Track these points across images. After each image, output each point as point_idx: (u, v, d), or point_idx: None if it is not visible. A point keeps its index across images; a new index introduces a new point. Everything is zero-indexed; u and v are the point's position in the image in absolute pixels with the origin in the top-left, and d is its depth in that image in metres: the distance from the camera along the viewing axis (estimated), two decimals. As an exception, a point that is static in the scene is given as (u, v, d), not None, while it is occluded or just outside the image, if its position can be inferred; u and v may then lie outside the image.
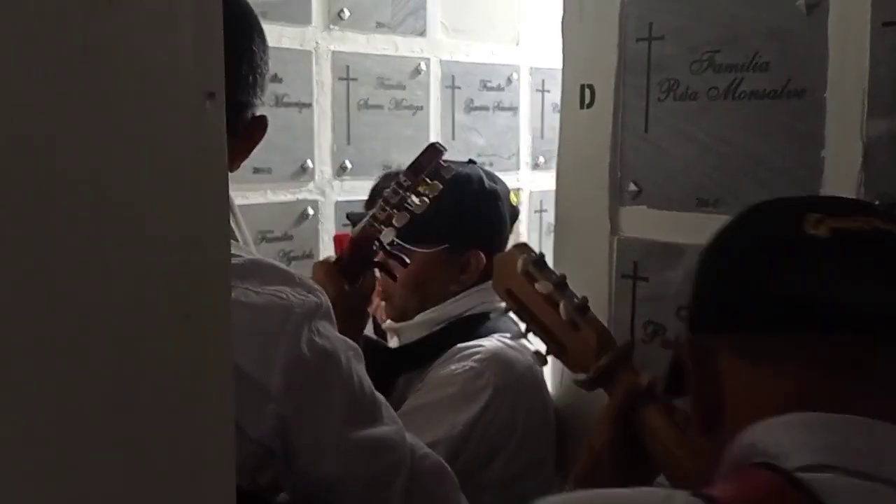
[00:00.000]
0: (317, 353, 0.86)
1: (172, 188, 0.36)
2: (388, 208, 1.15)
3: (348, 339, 0.93)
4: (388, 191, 1.16)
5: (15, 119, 0.33)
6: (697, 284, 0.69)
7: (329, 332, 0.89)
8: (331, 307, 0.91)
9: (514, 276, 1.04)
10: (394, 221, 1.16)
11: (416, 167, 1.15)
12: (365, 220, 1.18)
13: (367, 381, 0.94)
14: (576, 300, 1.00)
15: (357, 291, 1.20)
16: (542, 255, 1.06)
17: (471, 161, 1.45)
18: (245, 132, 0.92)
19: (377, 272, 1.25)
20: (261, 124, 0.94)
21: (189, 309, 0.38)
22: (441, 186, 1.16)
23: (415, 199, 1.16)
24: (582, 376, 0.97)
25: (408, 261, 1.23)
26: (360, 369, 0.93)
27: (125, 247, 0.37)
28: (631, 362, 0.98)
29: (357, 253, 1.18)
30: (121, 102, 0.34)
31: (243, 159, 0.94)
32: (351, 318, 1.17)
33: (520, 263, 1.04)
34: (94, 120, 0.34)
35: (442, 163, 1.17)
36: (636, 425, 0.92)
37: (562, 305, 0.99)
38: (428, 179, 1.15)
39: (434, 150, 1.16)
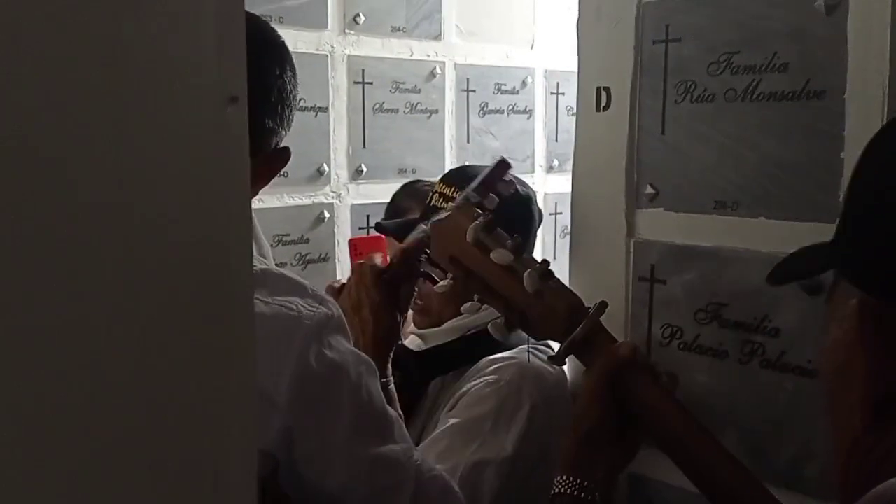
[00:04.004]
0: (325, 367, 0.85)
1: (194, 192, 0.36)
2: None
3: (361, 354, 0.92)
4: (469, 231, 1.12)
5: (37, 121, 0.34)
6: None
7: (340, 346, 0.88)
8: (343, 319, 0.90)
9: (461, 244, 0.95)
10: None
11: (488, 183, 1.10)
12: (419, 231, 1.14)
13: (379, 397, 0.93)
14: (537, 266, 0.92)
15: (399, 300, 1.20)
16: (490, 218, 0.96)
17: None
18: (266, 158, 0.92)
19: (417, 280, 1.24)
20: (283, 155, 0.94)
21: (210, 313, 0.38)
22: (498, 200, 1.11)
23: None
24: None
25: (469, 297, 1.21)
26: (371, 384, 0.91)
27: (145, 250, 0.37)
28: (605, 329, 0.92)
29: (407, 262, 1.17)
30: (142, 105, 0.34)
31: (262, 185, 0.94)
32: (391, 327, 1.17)
33: (470, 232, 0.94)
34: (116, 122, 0.34)
35: (504, 178, 1.13)
36: (624, 395, 0.88)
37: (526, 276, 0.91)
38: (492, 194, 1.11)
39: (504, 166, 1.11)
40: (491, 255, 0.93)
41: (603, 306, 0.95)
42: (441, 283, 1.02)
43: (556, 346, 1.05)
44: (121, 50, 0.33)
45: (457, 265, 0.97)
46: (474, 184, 1.10)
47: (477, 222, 0.95)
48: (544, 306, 0.92)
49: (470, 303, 0.99)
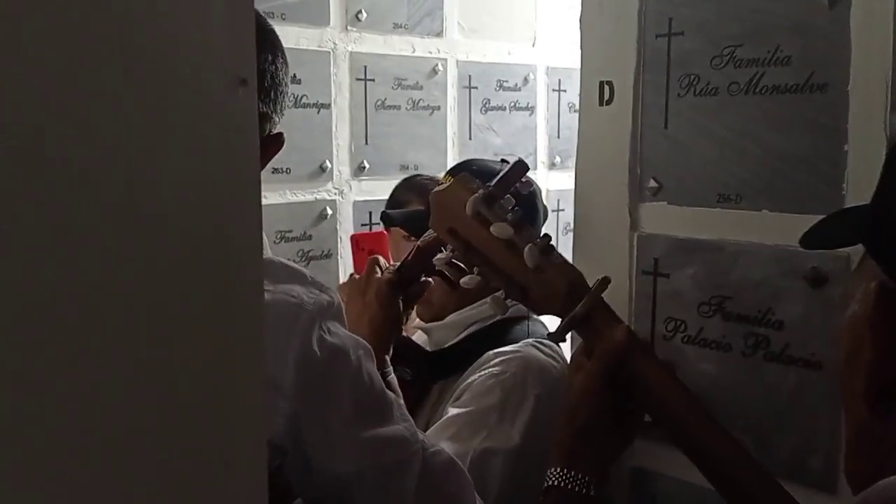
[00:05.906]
0: (327, 351, 0.87)
1: (203, 175, 0.36)
2: None
3: (359, 339, 0.94)
4: (468, 204, 1.11)
5: (44, 104, 0.34)
6: None
7: (339, 331, 0.90)
8: (342, 307, 0.92)
9: (460, 217, 0.93)
10: None
11: (504, 183, 1.08)
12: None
13: (378, 380, 0.94)
14: (538, 240, 0.90)
15: (407, 295, 1.20)
16: (490, 190, 0.94)
17: (503, 160, 1.44)
18: (260, 144, 0.93)
19: (430, 279, 1.24)
20: (276, 141, 0.95)
21: (219, 299, 0.38)
22: (514, 201, 1.08)
23: None
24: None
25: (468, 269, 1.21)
26: (370, 367, 0.93)
27: (155, 234, 0.37)
28: (607, 306, 0.91)
29: (421, 260, 1.18)
30: (151, 88, 0.35)
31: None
32: (394, 317, 1.18)
33: (469, 205, 0.92)
34: (124, 105, 0.35)
35: (522, 179, 1.14)
36: (626, 379, 0.87)
37: (526, 251, 0.89)
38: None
39: (522, 167, 1.09)
40: (491, 228, 0.91)
41: (605, 282, 0.93)
42: (464, 278, 1.01)
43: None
44: (127, 29, 0.33)
45: (456, 238, 0.95)
46: (491, 184, 1.10)
47: (477, 195, 0.93)
48: (545, 282, 0.90)
49: (469, 276, 0.98)
